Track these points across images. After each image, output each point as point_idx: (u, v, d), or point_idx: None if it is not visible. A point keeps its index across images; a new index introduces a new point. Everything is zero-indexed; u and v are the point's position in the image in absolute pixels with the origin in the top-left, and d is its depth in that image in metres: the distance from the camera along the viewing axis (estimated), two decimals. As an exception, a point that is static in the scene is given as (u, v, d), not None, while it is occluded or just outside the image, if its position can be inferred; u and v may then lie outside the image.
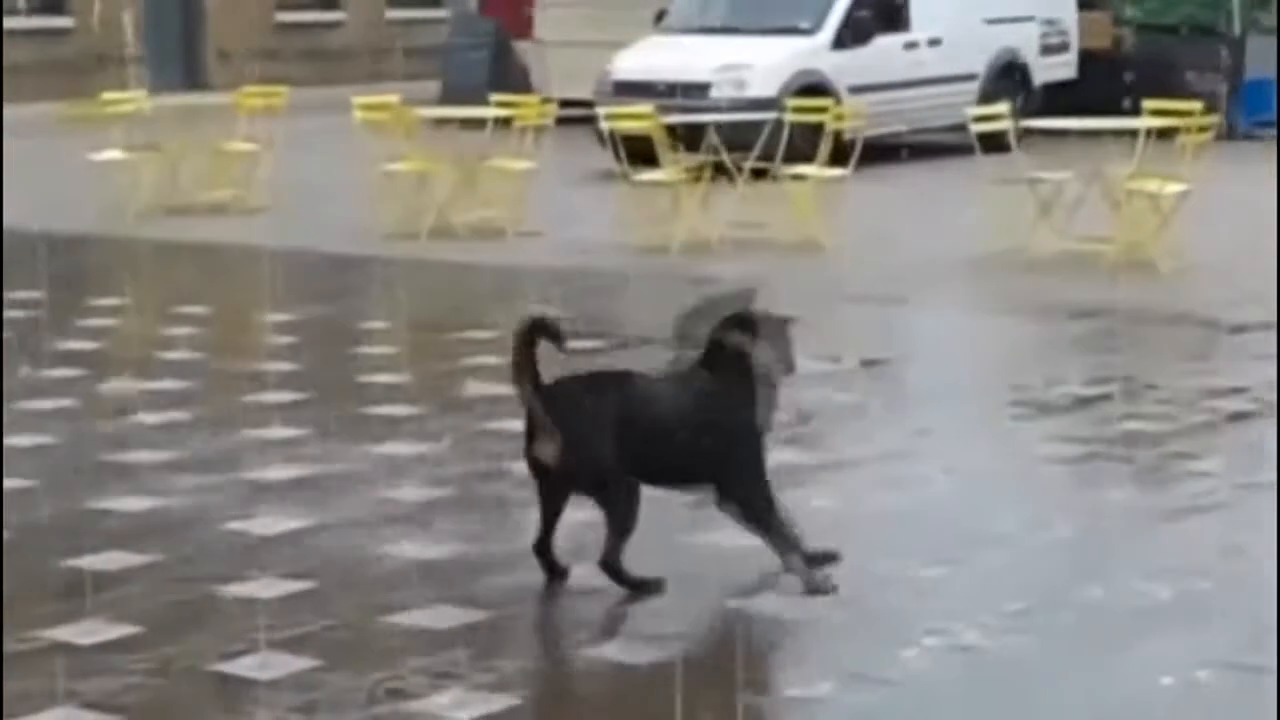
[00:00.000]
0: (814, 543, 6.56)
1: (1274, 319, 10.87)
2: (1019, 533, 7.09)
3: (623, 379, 6.56)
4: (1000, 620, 6.10)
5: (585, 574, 6.54)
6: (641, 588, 6.33)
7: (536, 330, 6.34)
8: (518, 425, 8.64)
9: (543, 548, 6.48)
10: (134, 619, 6.11)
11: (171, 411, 8.98)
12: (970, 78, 20.80)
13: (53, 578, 6.60)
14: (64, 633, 5.98)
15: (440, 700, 5.47)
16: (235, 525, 7.16)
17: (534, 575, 6.55)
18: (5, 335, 10.89)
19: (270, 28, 29.80)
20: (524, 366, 6.33)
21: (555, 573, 6.48)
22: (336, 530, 7.13)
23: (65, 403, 9.17)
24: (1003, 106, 15.27)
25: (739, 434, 6.44)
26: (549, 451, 6.34)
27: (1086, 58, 22.61)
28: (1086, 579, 6.48)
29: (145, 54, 27.92)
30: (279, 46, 29.39)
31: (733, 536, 7.00)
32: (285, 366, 10.13)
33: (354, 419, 8.90)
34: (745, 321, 6.55)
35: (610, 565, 6.31)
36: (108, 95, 17.64)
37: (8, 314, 11.57)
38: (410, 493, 7.60)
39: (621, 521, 6.31)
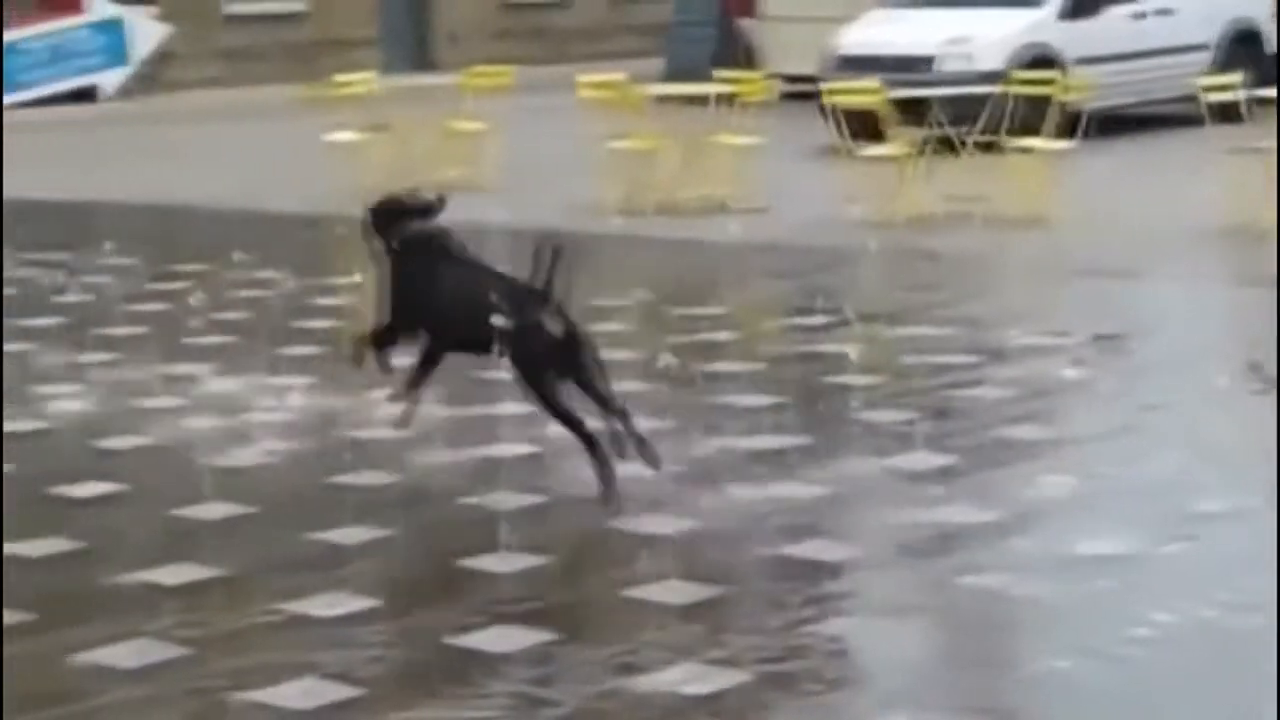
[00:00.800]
0: (1049, 520, 6.53)
1: None
2: (1256, 509, 6.99)
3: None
4: (1238, 597, 6.02)
5: (816, 548, 6.58)
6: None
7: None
8: (747, 401, 8.72)
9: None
10: (373, 592, 6.24)
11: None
12: (1200, 48, 20.42)
13: (294, 551, 6.75)
14: (305, 605, 6.12)
15: (671, 675, 5.52)
16: (471, 500, 7.27)
17: (766, 550, 6.59)
18: (247, 315, 11.12)
19: (497, 8, 30.07)
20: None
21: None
22: (571, 505, 7.21)
23: (303, 379, 9.36)
24: (1234, 76, 15.00)
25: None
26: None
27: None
28: (1325, 556, 6.38)
29: (376, 36, 28.32)
30: (506, 27, 29.64)
31: (961, 513, 6.99)
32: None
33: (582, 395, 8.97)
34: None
35: None
36: (340, 77, 17.91)
37: (251, 293, 11.81)
38: (638, 469, 7.65)
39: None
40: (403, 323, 7.71)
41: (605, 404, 7.31)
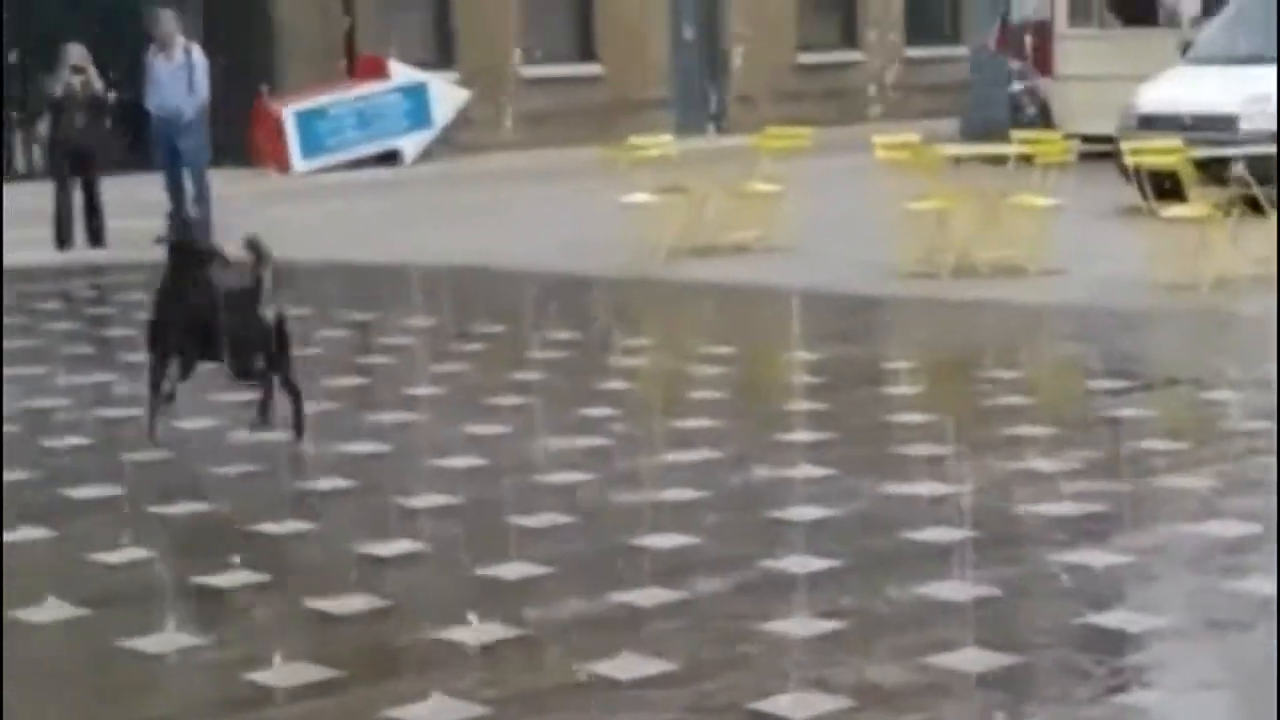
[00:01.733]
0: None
1: None
2: None
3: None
4: None
5: (1114, 619, 6.45)
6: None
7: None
8: (1047, 466, 8.61)
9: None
10: (670, 655, 6.26)
11: (701, 451, 9.16)
12: None
13: (591, 611, 6.79)
14: (604, 667, 6.16)
15: (973, 744, 5.46)
16: (766, 563, 7.26)
17: (1066, 618, 6.49)
18: (545, 376, 11.26)
19: (790, 69, 30.17)
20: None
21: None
22: (866, 570, 7.17)
23: (600, 441, 9.44)
24: None
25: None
26: None
27: None
28: None
29: (671, 99, 28.57)
30: (800, 88, 29.71)
31: (1269, 584, 6.83)
32: (810, 405, 10.23)
33: (880, 458, 8.95)
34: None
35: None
36: (635, 139, 18.10)
37: (549, 354, 11.95)
38: (937, 533, 7.60)
39: None
40: None
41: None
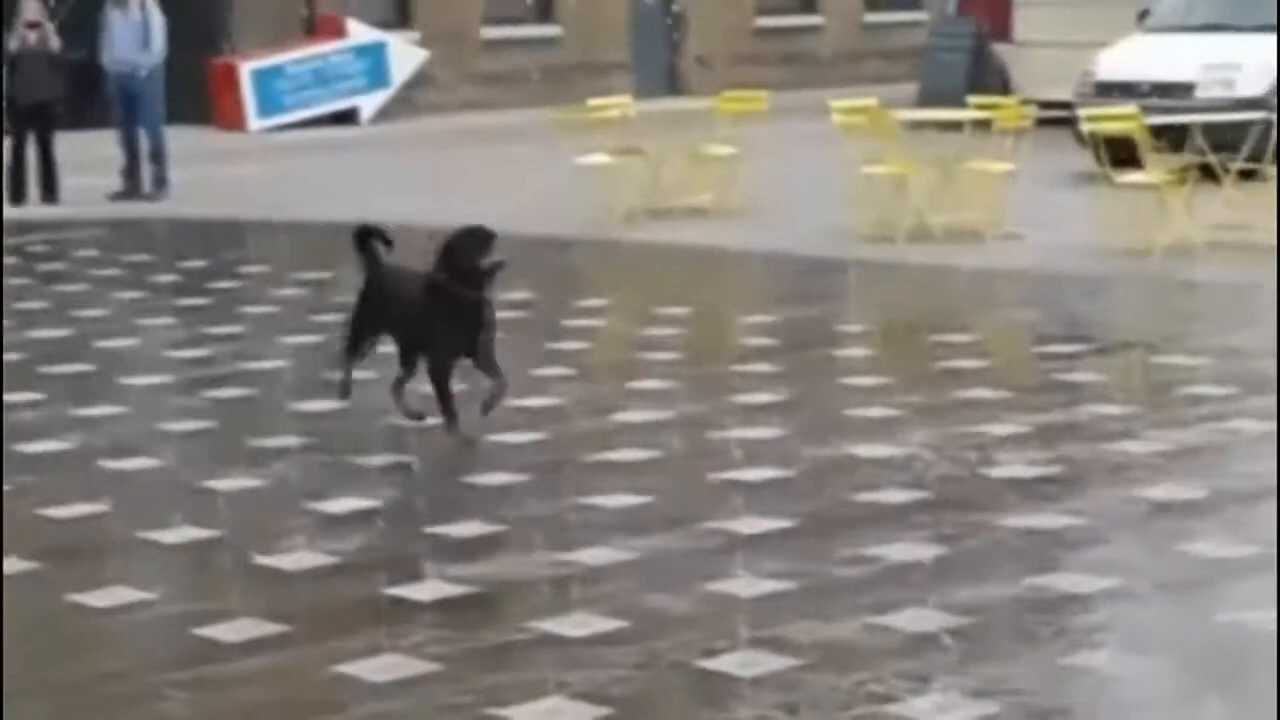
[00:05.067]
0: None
1: None
2: None
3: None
4: None
5: (1062, 582, 6.49)
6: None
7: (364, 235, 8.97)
8: (1000, 429, 8.65)
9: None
10: (621, 613, 6.27)
11: (654, 411, 9.17)
12: None
13: (544, 571, 6.81)
14: (555, 625, 6.17)
15: (920, 705, 5.49)
16: (715, 524, 7.28)
17: (1014, 581, 6.52)
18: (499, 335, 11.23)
19: (749, 33, 30.12)
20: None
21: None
22: (816, 530, 7.20)
23: (554, 401, 9.44)
24: None
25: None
26: None
27: None
28: None
29: (629, 61, 28.51)
30: (758, 52, 29.68)
31: (1215, 549, 6.87)
32: (765, 367, 10.25)
33: (832, 420, 8.97)
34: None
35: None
36: (594, 102, 18.07)
37: (504, 315, 11.91)
38: (889, 495, 7.63)
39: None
40: None
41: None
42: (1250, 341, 10.74)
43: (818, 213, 15.93)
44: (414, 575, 6.68)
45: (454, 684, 5.71)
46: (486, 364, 8.62)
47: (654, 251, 15.01)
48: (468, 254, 8.63)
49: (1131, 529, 7.26)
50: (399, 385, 8.81)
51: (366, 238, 9.05)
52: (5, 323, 11.67)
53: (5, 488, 7.87)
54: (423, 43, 26.43)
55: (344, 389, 8.99)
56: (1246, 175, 14.73)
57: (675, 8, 29.61)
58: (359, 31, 25.68)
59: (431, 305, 8.58)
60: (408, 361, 8.79)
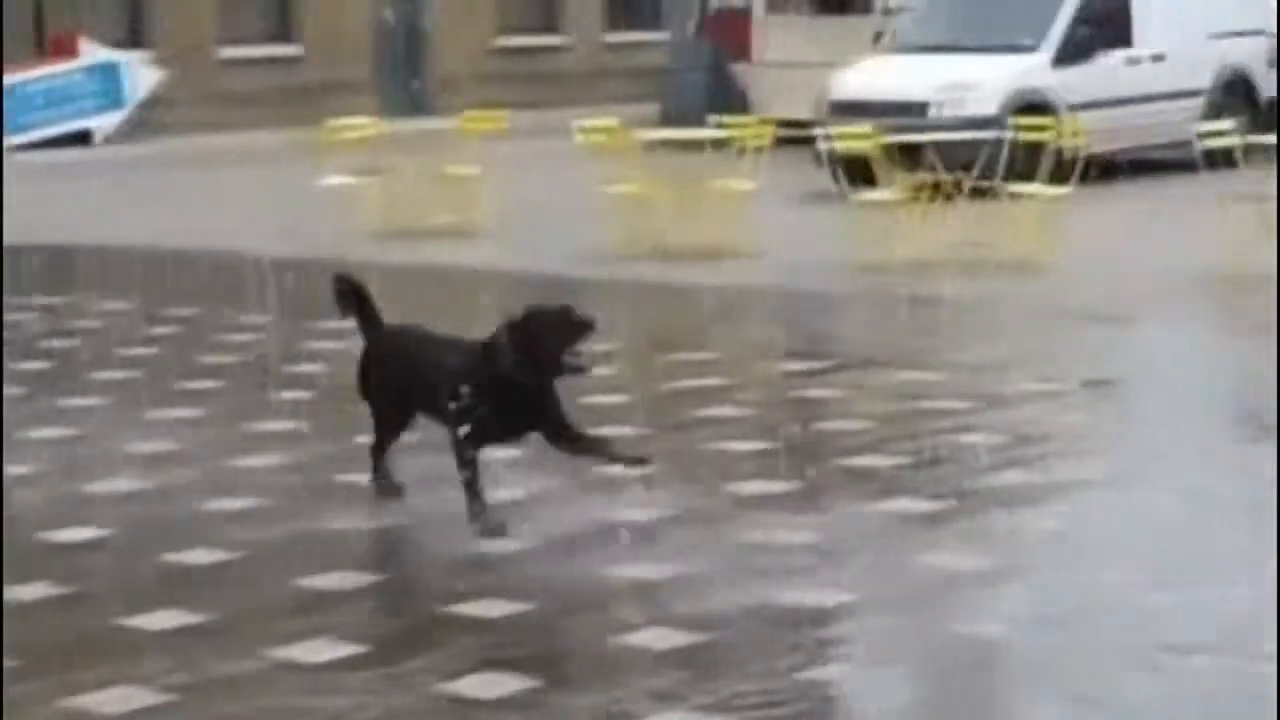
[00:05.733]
0: (1042, 564, 6.48)
1: None
2: (1253, 559, 6.94)
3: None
4: (1235, 649, 5.97)
5: (800, 596, 6.53)
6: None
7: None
8: (740, 445, 8.69)
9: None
10: (360, 638, 6.19)
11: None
12: (1194, 94, 20.45)
13: (282, 597, 6.70)
14: (293, 651, 6.08)
15: (660, 722, 5.48)
16: (459, 546, 7.22)
17: (753, 596, 6.55)
18: (236, 359, 11.09)
19: (490, 52, 30.11)
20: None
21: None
22: (557, 551, 7.17)
23: (294, 425, 9.32)
24: (1229, 123, 15.01)
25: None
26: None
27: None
28: (1319, 604, 6.33)
29: (371, 80, 28.33)
30: (500, 70, 29.67)
31: (952, 560, 6.96)
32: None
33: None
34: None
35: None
36: (334, 122, 17.92)
37: (237, 338, 11.78)
38: (630, 514, 7.62)
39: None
40: None
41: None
42: (987, 356, 10.93)
43: (561, 232, 15.94)
44: (148, 606, 6.52)
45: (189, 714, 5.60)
46: (568, 437, 7.41)
47: (396, 273, 14.88)
48: (551, 341, 7.25)
49: (871, 542, 7.33)
50: (379, 450, 7.80)
51: (352, 293, 7.77)
52: None
53: None
54: (159, 62, 26.04)
55: (388, 489, 7.80)
56: (980, 193, 15.01)
57: (420, 26, 29.51)
58: (92, 51, 25.23)
59: (481, 382, 7.30)
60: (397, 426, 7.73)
